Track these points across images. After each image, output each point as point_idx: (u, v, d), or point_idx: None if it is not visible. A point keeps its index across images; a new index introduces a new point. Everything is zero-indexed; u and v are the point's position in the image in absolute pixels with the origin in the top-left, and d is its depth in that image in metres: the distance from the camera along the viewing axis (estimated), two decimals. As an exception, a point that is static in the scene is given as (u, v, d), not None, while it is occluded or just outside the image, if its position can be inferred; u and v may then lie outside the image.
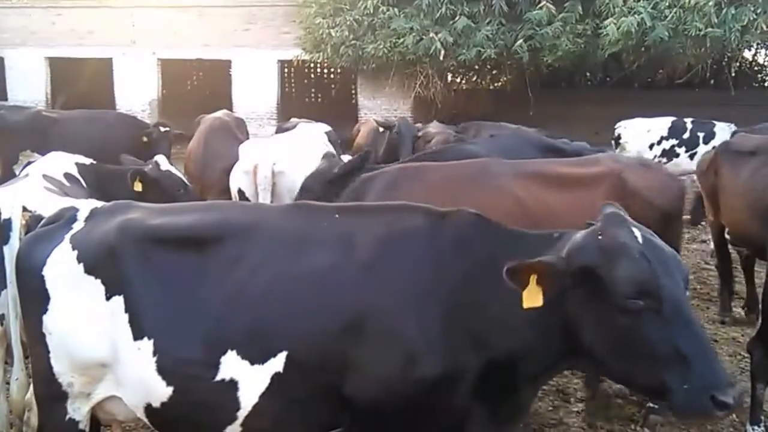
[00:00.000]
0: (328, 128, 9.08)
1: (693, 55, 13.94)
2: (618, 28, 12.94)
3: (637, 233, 2.38)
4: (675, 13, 12.86)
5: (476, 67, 17.46)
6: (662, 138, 11.58)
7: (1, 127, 9.69)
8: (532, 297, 2.34)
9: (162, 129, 9.48)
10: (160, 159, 6.20)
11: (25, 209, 3.41)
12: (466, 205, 2.91)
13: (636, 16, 12.87)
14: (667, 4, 13.01)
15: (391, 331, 2.56)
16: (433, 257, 2.67)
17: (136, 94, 19.58)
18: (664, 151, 11.52)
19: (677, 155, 11.43)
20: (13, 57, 20.33)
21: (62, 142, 7.33)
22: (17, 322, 3.36)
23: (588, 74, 20.68)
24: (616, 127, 11.98)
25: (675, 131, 11.56)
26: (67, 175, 5.05)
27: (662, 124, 11.73)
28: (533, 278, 2.32)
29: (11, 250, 3.25)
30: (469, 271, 2.62)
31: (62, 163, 5.28)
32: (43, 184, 4.36)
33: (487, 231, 2.75)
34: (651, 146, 11.59)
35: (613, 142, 12.01)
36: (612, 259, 2.30)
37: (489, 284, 2.51)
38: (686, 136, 11.50)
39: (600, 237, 2.39)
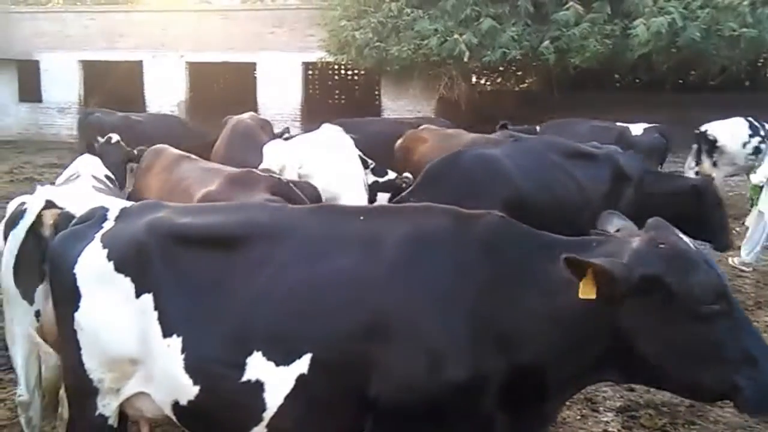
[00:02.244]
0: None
1: (727, 56, 13.62)
2: (648, 29, 12.77)
3: (687, 241, 2.45)
4: (707, 13, 12.65)
5: (501, 68, 17.41)
6: (749, 136, 11.23)
7: (101, 128, 10.64)
8: (588, 289, 2.36)
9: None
10: (116, 136, 8.12)
11: (54, 206, 3.43)
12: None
13: (666, 16, 12.69)
14: (699, 4, 12.82)
15: (416, 333, 2.54)
16: (459, 258, 2.64)
17: (165, 96, 20.16)
18: (754, 148, 11.13)
19: (760, 151, 10.98)
20: (48, 60, 21.15)
21: (145, 142, 8.06)
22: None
23: (617, 76, 20.32)
24: (703, 130, 11.47)
25: (755, 129, 11.22)
26: (109, 177, 5.46)
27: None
28: (590, 272, 2.34)
29: (15, 239, 3.38)
30: (496, 273, 2.60)
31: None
32: (92, 183, 4.66)
33: (514, 233, 2.74)
34: (744, 145, 11.21)
35: (696, 146, 11.49)
36: (682, 267, 2.34)
37: (517, 287, 2.53)
38: (763, 133, 11.20)
39: (661, 247, 2.40)
